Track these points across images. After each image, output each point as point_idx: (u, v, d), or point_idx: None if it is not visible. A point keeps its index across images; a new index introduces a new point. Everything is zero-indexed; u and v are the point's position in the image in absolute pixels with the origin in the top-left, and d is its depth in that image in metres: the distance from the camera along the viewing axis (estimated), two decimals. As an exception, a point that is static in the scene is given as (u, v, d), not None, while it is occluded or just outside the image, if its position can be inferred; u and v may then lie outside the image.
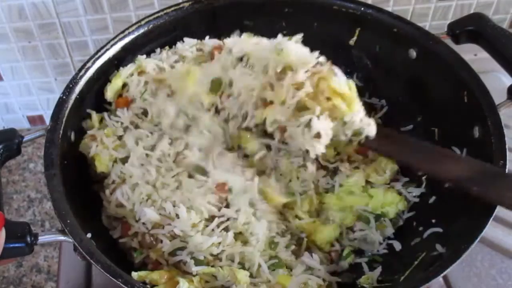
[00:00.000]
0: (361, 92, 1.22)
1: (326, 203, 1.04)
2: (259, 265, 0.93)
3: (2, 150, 0.92)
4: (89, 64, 1.04)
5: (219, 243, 0.93)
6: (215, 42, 1.16)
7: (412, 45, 1.09)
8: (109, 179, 1.01)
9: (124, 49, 1.09)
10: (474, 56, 1.13)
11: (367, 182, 1.06)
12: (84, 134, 1.04)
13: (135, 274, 0.87)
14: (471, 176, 0.87)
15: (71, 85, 1.00)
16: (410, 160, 0.95)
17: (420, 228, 1.00)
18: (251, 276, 0.93)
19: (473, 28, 1.06)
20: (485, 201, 0.86)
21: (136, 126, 1.07)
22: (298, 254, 1.00)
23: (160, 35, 1.14)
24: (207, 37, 1.17)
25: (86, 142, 1.02)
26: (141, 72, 1.09)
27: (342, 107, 0.89)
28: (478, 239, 0.82)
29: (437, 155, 0.90)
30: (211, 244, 0.92)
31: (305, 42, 1.22)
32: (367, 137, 0.93)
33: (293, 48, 0.93)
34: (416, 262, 0.94)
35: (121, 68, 1.10)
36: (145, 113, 1.08)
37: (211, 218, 0.96)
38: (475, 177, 0.86)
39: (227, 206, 0.98)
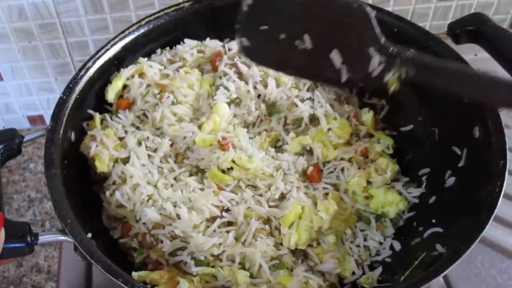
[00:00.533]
0: (361, 92, 1.23)
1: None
2: (260, 266, 0.93)
3: (2, 150, 0.92)
4: (89, 64, 1.04)
5: (220, 243, 0.93)
6: (216, 44, 1.16)
7: (412, 45, 1.08)
8: (109, 180, 1.01)
9: (124, 49, 1.09)
10: (474, 56, 1.13)
11: (368, 182, 1.06)
12: (84, 134, 1.04)
13: (135, 274, 0.87)
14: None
15: (71, 85, 1.00)
16: (449, 88, 0.88)
17: (420, 228, 1.00)
18: (251, 276, 0.93)
19: (473, 28, 1.06)
20: None
21: (137, 129, 1.07)
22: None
23: (160, 35, 1.14)
24: (207, 38, 1.17)
25: (86, 143, 1.02)
26: (141, 74, 1.09)
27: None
28: (478, 239, 0.82)
29: (476, 80, 0.84)
30: (212, 245, 0.92)
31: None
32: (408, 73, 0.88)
33: None
34: (416, 262, 0.94)
35: (121, 69, 1.10)
36: (146, 114, 1.08)
37: (212, 218, 0.96)
38: None
39: (227, 210, 0.98)
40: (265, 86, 1.10)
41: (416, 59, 0.86)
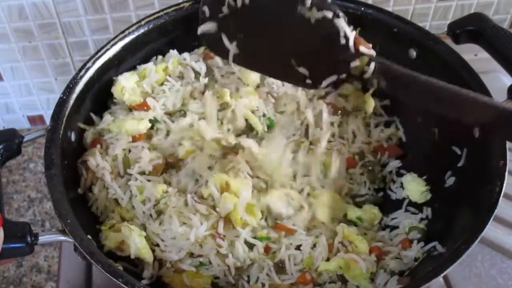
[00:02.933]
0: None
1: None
2: None
3: (2, 150, 0.92)
4: (89, 64, 1.04)
5: None
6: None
7: (412, 45, 1.09)
8: None
9: (124, 49, 1.09)
10: (474, 56, 1.13)
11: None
12: (84, 134, 1.03)
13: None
14: (492, 122, 0.82)
15: (71, 85, 1.00)
16: (427, 105, 0.89)
17: (420, 228, 1.00)
18: None
19: (473, 28, 1.06)
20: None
21: None
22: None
23: (160, 35, 1.14)
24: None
25: None
26: None
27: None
28: (478, 239, 0.82)
29: (454, 100, 0.84)
30: None
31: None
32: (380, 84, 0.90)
33: None
34: (416, 263, 0.94)
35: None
36: None
37: None
38: (496, 122, 0.82)
39: None
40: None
41: (385, 68, 0.89)
